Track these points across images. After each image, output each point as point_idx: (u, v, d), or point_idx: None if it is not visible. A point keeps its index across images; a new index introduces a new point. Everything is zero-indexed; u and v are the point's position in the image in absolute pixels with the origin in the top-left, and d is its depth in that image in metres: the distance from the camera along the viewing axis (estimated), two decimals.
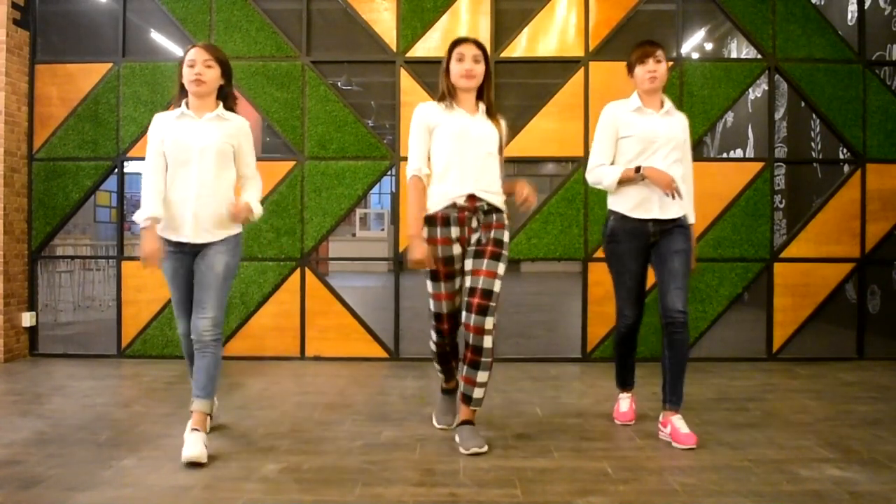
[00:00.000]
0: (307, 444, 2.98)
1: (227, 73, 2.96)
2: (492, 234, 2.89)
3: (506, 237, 2.93)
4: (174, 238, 2.89)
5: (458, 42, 2.96)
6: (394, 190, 17.31)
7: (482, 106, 2.99)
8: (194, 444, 2.72)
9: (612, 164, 3.13)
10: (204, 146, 2.86)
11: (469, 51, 2.92)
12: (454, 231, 2.89)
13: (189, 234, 2.87)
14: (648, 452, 2.87)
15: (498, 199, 2.94)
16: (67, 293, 7.72)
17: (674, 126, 3.10)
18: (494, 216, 2.93)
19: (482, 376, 2.87)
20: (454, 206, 2.88)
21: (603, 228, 3.24)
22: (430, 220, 2.90)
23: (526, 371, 4.55)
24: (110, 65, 4.97)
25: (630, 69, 3.14)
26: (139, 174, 3.12)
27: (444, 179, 2.90)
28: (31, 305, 5.01)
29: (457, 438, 2.90)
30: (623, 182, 3.07)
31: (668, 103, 3.14)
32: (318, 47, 5.01)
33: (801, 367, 4.66)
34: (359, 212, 15.72)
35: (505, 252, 2.91)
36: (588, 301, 4.88)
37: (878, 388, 4.03)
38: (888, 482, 2.51)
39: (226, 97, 2.99)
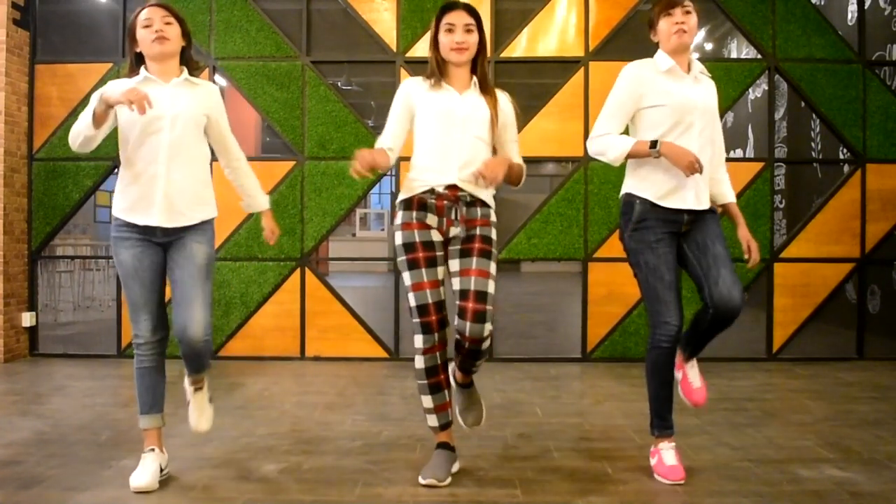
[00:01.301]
0: (307, 444, 2.98)
1: (186, 32, 2.59)
2: (478, 231, 2.52)
3: (494, 234, 2.55)
4: (142, 222, 2.45)
5: (446, 9, 2.54)
6: (394, 190, 17.25)
7: (475, 80, 2.58)
8: (200, 411, 2.65)
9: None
10: (176, 113, 2.45)
11: (460, 19, 2.51)
12: (431, 219, 2.52)
13: (159, 218, 2.45)
14: (648, 452, 2.87)
15: (483, 191, 2.54)
16: (67, 293, 7.72)
17: (707, 95, 2.58)
18: (479, 210, 2.53)
19: (478, 364, 2.65)
20: (432, 192, 2.51)
21: (623, 217, 2.62)
22: (406, 204, 2.55)
23: (526, 371, 4.55)
24: (110, 65, 4.96)
25: (652, 25, 2.60)
26: None
27: (424, 164, 2.53)
28: (31, 305, 5.01)
29: (457, 409, 2.75)
30: (633, 157, 2.54)
31: (697, 65, 2.58)
32: (318, 47, 5.01)
33: (801, 367, 4.65)
34: (359, 212, 15.71)
35: (495, 251, 2.53)
36: (588, 301, 4.88)
37: (878, 388, 4.03)
38: (888, 482, 2.51)
39: (188, 61, 2.61)
